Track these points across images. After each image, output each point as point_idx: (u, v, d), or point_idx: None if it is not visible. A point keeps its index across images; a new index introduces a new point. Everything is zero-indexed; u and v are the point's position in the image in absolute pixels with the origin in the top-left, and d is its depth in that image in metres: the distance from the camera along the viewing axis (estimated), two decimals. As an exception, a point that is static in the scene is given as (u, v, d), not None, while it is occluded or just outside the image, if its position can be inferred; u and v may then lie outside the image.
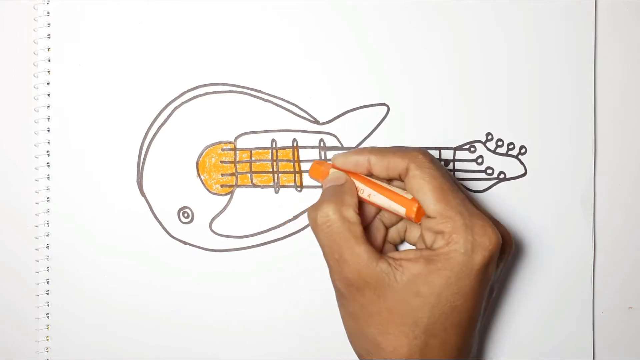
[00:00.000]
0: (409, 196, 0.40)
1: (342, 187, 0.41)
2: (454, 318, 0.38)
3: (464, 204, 0.39)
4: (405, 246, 0.45)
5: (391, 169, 0.41)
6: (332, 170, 0.43)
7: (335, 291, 0.41)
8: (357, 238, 0.39)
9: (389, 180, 0.42)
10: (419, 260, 0.38)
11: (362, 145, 0.47)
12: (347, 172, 0.42)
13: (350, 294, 0.39)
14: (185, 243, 0.47)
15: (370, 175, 0.42)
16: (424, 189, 0.39)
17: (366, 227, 0.43)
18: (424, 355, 0.38)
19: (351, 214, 0.40)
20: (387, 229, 0.44)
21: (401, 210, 0.40)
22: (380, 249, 0.44)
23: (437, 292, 0.38)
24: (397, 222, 0.44)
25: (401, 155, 0.40)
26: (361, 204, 0.42)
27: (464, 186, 0.48)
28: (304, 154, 0.47)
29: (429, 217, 0.39)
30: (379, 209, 0.43)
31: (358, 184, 0.42)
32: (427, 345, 0.38)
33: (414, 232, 0.44)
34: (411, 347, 0.38)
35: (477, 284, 0.38)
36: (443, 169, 0.40)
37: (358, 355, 0.41)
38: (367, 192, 0.41)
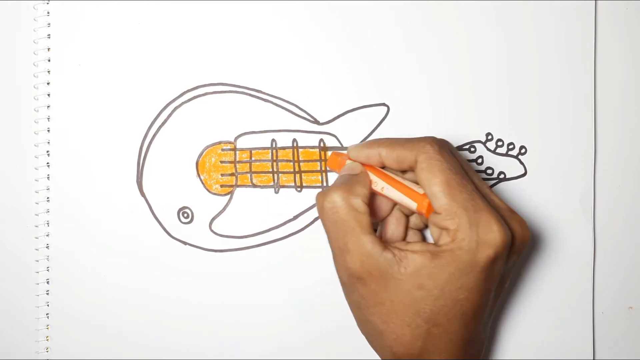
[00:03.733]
0: (421, 190, 0.40)
1: (355, 177, 0.41)
2: (457, 310, 0.38)
3: (471, 199, 0.38)
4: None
5: (400, 161, 0.40)
6: (348, 161, 0.43)
7: (339, 279, 0.41)
8: (363, 227, 0.39)
9: (404, 172, 0.42)
10: (424, 253, 0.38)
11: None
12: (362, 163, 0.42)
13: (352, 283, 0.39)
14: (185, 243, 0.47)
15: (385, 167, 0.42)
16: (430, 183, 0.38)
17: (386, 218, 0.43)
18: (428, 343, 0.38)
19: (359, 203, 0.39)
20: (407, 217, 0.44)
21: (412, 205, 0.40)
22: (403, 237, 0.44)
23: (441, 286, 0.38)
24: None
25: (409, 147, 0.40)
26: (378, 196, 0.42)
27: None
28: (303, 154, 0.47)
29: (435, 212, 0.38)
30: None
31: (372, 176, 0.41)
32: (429, 334, 0.38)
33: None
34: (414, 335, 0.38)
35: (481, 280, 0.38)
36: (451, 159, 0.39)
37: (366, 339, 0.42)
38: (380, 185, 0.41)
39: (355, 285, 0.39)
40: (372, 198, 0.41)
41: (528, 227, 0.40)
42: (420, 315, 0.38)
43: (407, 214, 0.44)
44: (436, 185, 0.38)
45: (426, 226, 0.44)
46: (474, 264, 0.37)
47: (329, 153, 0.47)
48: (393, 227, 0.43)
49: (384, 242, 0.39)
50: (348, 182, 0.40)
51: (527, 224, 0.40)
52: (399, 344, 0.39)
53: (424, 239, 0.45)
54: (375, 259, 0.38)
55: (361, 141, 0.47)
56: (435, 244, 0.39)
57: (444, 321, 0.38)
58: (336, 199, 0.39)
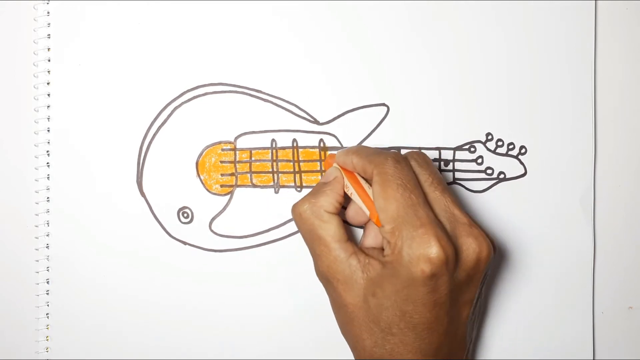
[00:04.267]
0: None
1: (324, 185, 0.43)
2: (407, 321, 0.39)
3: (414, 214, 0.38)
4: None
5: (364, 172, 0.42)
6: (331, 167, 0.44)
7: None
8: (329, 235, 0.41)
9: None
10: (379, 263, 0.40)
11: (364, 144, 0.47)
12: (342, 168, 0.43)
13: (325, 286, 0.42)
14: (185, 243, 0.47)
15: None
16: (378, 196, 0.40)
17: (368, 223, 0.44)
18: (387, 350, 0.40)
19: (322, 212, 0.41)
20: None
21: (367, 213, 0.41)
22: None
23: (389, 296, 0.39)
24: None
25: (370, 160, 0.41)
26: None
27: (461, 186, 0.48)
28: (303, 154, 0.47)
29: (381, 225, 0.40)
30: None
31: (346, 180, 0.43)
32: (386, 341, 0.40)
33: None
34: (372, 340, 0.40)
35: (424, 293, 0.38)
36: (407, 175, 0.40)
37: None
38: (350, 190, 0.42)
39: (327, 287, 0.42)
40: (353, 203, 0.43)
41: (489, 243, 0.40)
42: (376, 322, 0.40)
43: None
44: (381, 199, 0.39)
45: None
46: (412, 278, 0.38)
47: (329, 153, 0.47)
48: (374, 233, 0.43)
49: (359, 247, 0.41)
50: (316, 192, 0.42)
51: (490, 239, 0.40)
52: (360, 348, 0.41)
53: None
54: (340, 264, 0.40)
55: (360, 142, 0.47)
56: (384, 254, 0.40)
57: (397, 331, 0.39)
58: (301, 210, 0.42)
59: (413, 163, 0.42)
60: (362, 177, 0.42)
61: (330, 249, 0.41)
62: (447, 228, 0.40)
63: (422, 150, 0.47)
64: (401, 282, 0.38)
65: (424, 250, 0.38)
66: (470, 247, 0.39)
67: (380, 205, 0.39)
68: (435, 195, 0.41)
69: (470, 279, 0.40)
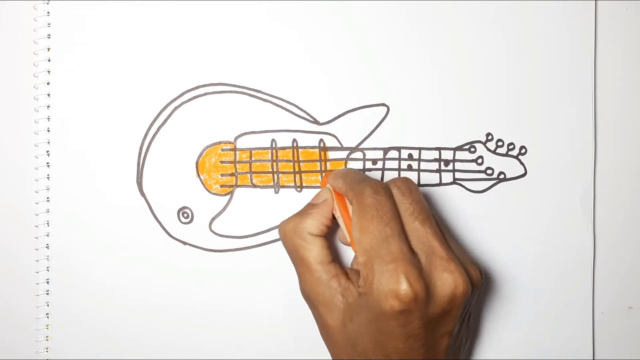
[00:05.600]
0: None
1: (314, 207, 0.43)
2: (382, 350, 0.39)
3: (387, 248, 0.38)
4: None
5: (347, 198, 0.41)
6: (324, 188, 0.44)
7: None
8: (311, 257, 0.41)
9: None
10: (356, 290, 0.39)
11: (363, 146, 0.47)
12: (334, 189, 0.43)
13: (309, 305, 0.43)
14: (185, 243, 0.47)
15: None
16: (354, 226, 0.39)
17: None
18: None
19: (305, 234, 0.41)
20: None
21: (348, 238, 0.41)
22: None
23: (363, 324, 0.39)
24: None
25: (351, 188, 0.41)
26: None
27: (461, 186, 0.48)
28: (303, 155, 0.47)
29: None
30: None
31: (335, 203, 0.42)
32: None
33: None
34: None
35: (396, 327, 0.38)
36: (386, 206, 0.39)
37: None
38: (337, 213, 0.42)
39: (310, 307, 0.42)
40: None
41: (465, 278, 0.39)
42: (353, 346, 0.40)
43: None
44: (357, 230, 0.39)
45: None
46: (383, 312, 0.38)
47: (329, 153, 0.47)
48: None
49: (343, 269, 0.41)
50: (302, 213, 0.42)
51: (470, 274, 0.39)
52: None
53: None
54: (321, 286, 0.41)
55: (360, 142, 0.47)
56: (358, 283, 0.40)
57: (373, 358, 0.39)
58: (286, 229, 0.42)
59: (395, 191, 0.41)
60: None
61: (312, 270, 0.41)
62: (423, 261, 0.39)
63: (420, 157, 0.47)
64: (373, 314, 0.38)
65: (392, 286, 0.37)
66: (446, 282, 0.38)
67: (355, 236, 0.39)
68: (415, 226, 0.40)
69: (447, 313, 0.39)
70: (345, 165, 0.47)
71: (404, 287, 0.37)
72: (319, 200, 0.43)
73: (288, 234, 0.42)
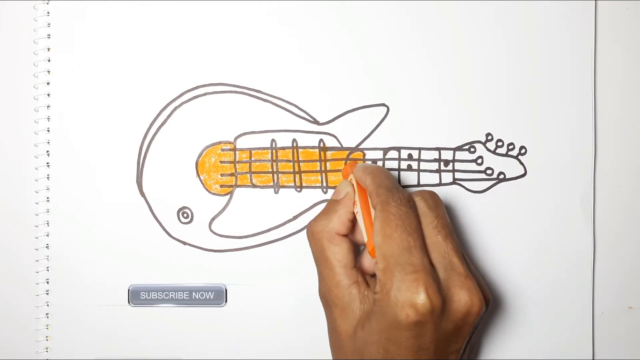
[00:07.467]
0: None
1: (338, 203, 0.43)
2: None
3: (409, 258, 0.38)
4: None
5: (370, 199, 0.41)
6: (344, 181, 0.44)
7: None
8: (337, 259, 0.41)
9: None
10: (373, 297, 0.39)
11: (362, 146, 0.47)
12: (357, 182, 0.43)
13: (324, 308, 0.42)
14: (184, 243, 0.47)
15: None
16: (376, 232, 0.39)
17: None
18: None
19: (333, 234, 0.41)
20: None
21: (365, 239, 0.41)
22: None
23: (374, 332, 0.39)
24: None
25: (378, 193, 0.40)
26: None
27: (461, 186, 0.48)
28: (303, 155, 0.47)
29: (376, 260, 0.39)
30: None
31: (356, 197, 0.42)
32: None
33: None
34: None
35: (407, 337, 0.38)
36: (409, 217, 0.39)
37: None
38: (357, 209, 0.42)
39: (325, 308, 0.42)
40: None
41: (481, 297, 0.39)
42: (360, 355, 0.40)
43: None
44: (379, 236, 0.39)
45: None
46: (397, 321, 0.38)
47: (329, 153, 0.47)
48: (369, 257, 0.43)
49: (363, 277, 0.41)
50: (328, 213, 0.42)
51: (485, 293, 0.39)
52: None
53: None
54: (341, 290, 0.41)
55: (360, 142, 0.47)
56: (374, 290, 0.39)
57: None
58: (315, 230, 0.42)
59: (421, 203, 0.41)
60: None
61: (334, 273, 0.41)
62: (441, 276, 0.39)
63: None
64: (387, 322, 0.38)
65: (411, 296, 0.37)
66: (462, 299, 0.38)
67: (377, 241, 0.39)
68: (437, 240, 0.40)
69: (459, 330, 0.39)
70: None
71: (422, 297, 0.37)
72: (340, 194, 0.43)
73: (317, 234, 0.42)
